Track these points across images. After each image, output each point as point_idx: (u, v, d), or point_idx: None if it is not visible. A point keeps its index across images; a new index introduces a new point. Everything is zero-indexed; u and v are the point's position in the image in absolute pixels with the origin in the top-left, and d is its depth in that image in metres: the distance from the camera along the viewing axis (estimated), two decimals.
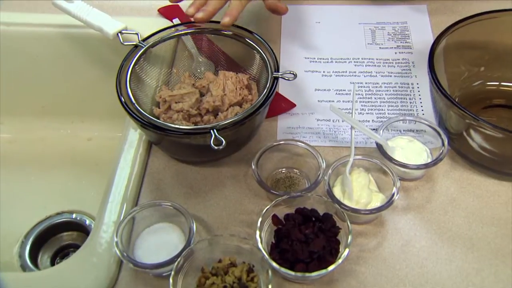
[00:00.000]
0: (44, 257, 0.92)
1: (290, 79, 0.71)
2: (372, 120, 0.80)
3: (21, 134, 1.05)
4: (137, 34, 0.75)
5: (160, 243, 0.66)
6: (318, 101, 0.83)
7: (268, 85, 0.70)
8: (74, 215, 0.95)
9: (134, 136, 0.77)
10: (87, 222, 0.94)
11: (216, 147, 0.63)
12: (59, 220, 0.95)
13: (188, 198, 0.72)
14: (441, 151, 0.70)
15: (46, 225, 0.94)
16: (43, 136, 1.05)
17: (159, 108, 0.74)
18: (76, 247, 0.95)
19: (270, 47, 0.74)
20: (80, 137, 1.05)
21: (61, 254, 0.94)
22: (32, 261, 0.89)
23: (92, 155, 1.03)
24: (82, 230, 0.95)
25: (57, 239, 0.95)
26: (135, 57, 0.73)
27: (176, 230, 0.67)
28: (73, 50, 0.96)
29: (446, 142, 0.70)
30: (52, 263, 0.92)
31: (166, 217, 0.68)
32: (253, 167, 0.69)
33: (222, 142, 0.63)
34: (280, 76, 0.71)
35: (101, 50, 0.95)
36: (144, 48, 0.74)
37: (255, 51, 0.75)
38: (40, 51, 0.97)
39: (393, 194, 0.66)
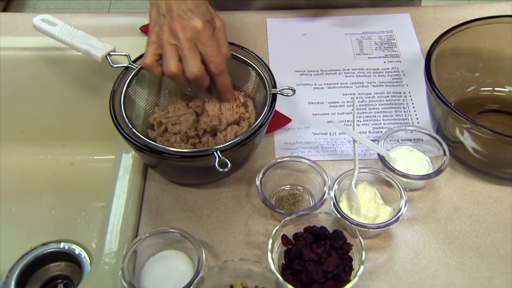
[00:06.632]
0: None
1: (289, 94, 0.70)
2: (369, 131, 0.79)
3: None
4: (127, 55, 0.72)
5: (167, 272, 0.63)
6: (313, 114, 0.82)
7: (268, 102, 0.68)
8: (62, 245, 0.91)
9: (128, 161, 0.74)
10: (76, 251, 0.90)
11: (221, 169, 0.61)
12: (45, 251, 0.90)
13: (190, 223, 0.70)
14: (443, 160, 0.69)
15: (31, 258, 0.89)
16: (22, 163, 1.01)
17: (153, 130, 0.72)
18: (64, 278, 0.91)
19: (265, 63, 0.73)
20: (62, 162, 1.01)
21: (49, 286, 0.90)
22: None
23: (76, 180, 1.00)
24: (70, 259, 0.91)
25: (44, 271, 0.91)
26: (127, 79, 0.71)
27: (182, 257, 0.65)
28: (51, 73, 0.93)
29: (447, 152, 0.70)
30: None
31: (170, 244, 0.65)
32: (257, 185, 0.67)
33: (227, 163, 0.61)
34: (278, 92, 0.70)
35: (80, 72, 0.92)
36: (136, 70, 0.72)
37: (250, 68, 0.73)
38: (17, 75, 0.92)
39: (401, 208, 0.65)
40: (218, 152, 0.62)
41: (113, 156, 1.00)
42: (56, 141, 1.01)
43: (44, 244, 0.91)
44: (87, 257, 0.89)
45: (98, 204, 0.96)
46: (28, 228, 0.93)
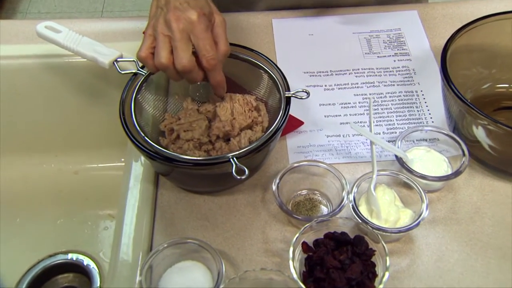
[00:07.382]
0: None
1: (303, 97, 0.68)
2: (383, 132, 0.78)
3: (1, 173, 0.97)
4: (134, 61, 0.70)
5: (185, 283, 0.61)
6: (325, 116, 0.80)
7: (282, 106, 0.67)
8: (69, 256, 0.89)
9: (139, 170, 0.72)
10: (85, 262, 0.88)
11: (238, 176, 0.59)
12: (53, 263, 0.88)
13: (205, 231, 0.68)
14: (462, 161, 0.68)
15: (39, 270, 0.87)
16: (25, 173, 0.99)
17: (165, 137, 0.70)
18: None
19: (277, 66, 0.71)
20: (65, 171, 0.99)
21: None
22: None
23: (80, 189, 0.98)
24: (78, 270, 0.89)
25: (52, 283, 0.89)
26: (136, 85, 0.69)
27: (200, 268, 0.63)
28: (53, 81, 0.91)
29: (467, 152, 0.68)
30: None
31: (188, 254, 0.63)
32: (274, 191, 0.65)
33: (245, 170, 0.59)
34: (292, 95, 0.68)
35: (82, 79, 0.90)
36: (144, 76, 0.70)
37: (262, 71, 0.71)
38: (18, 84, 0.90)
39: (422, 211, 0.64)
40: (235, 159, 0.60)
41: (117, 163, 0.99)
42: (58, 150, 0.99)
43: (51, 256, 0.89)
44: (95, 267, 0.87)
45: (104, 212, 0.94)
46: (34, 239, 0.91)
